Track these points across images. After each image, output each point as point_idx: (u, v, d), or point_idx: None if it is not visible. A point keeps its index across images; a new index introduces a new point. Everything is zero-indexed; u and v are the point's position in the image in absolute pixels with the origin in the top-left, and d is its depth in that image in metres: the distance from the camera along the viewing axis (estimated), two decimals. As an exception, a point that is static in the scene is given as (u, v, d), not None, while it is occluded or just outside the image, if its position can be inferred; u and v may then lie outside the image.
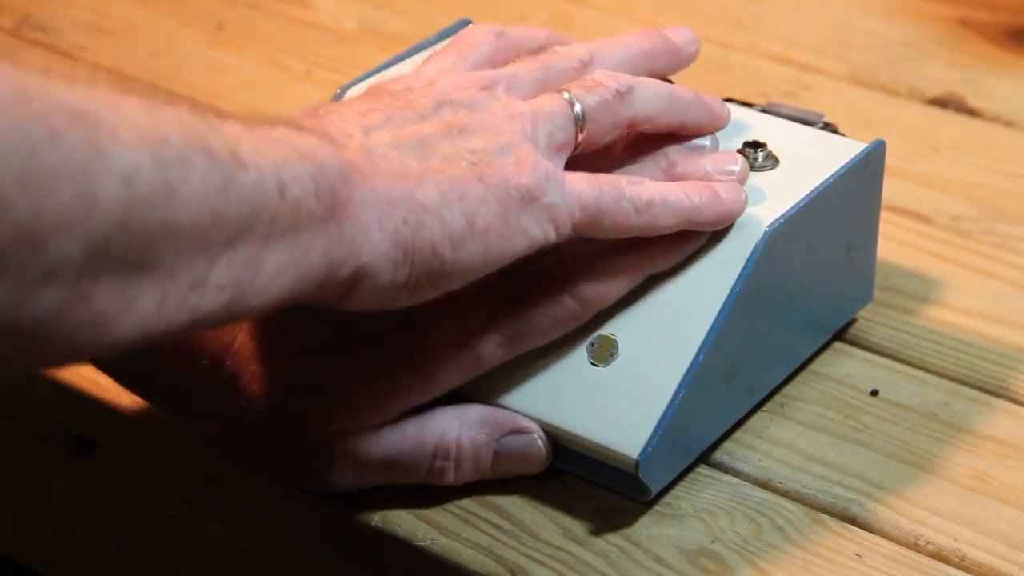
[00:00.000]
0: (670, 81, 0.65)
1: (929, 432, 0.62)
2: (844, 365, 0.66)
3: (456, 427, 0.58)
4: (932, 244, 0.73)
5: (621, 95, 0.59)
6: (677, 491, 0.60)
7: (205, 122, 0.46)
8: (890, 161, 0.65)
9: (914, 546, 0.57)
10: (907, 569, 0.56)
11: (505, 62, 0.61)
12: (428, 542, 0.58)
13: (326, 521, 0.61)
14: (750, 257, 0.59)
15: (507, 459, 0.59)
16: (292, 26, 0.94)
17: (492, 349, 0.58)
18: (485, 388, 0.59)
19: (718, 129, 0.62)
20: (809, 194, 0.61)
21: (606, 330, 0.59)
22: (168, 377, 0.59)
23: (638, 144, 0.61)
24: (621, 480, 0.58)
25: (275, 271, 0.48)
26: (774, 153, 0.63)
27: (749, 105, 0.69)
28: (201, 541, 0.67)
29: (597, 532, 0.58)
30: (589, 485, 0.60)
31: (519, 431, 0.59)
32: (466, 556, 0.57)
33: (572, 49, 0.61)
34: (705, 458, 0.61)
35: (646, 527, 0.58)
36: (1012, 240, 0.73)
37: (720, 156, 0.61)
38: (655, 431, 0.57)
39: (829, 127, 0.68)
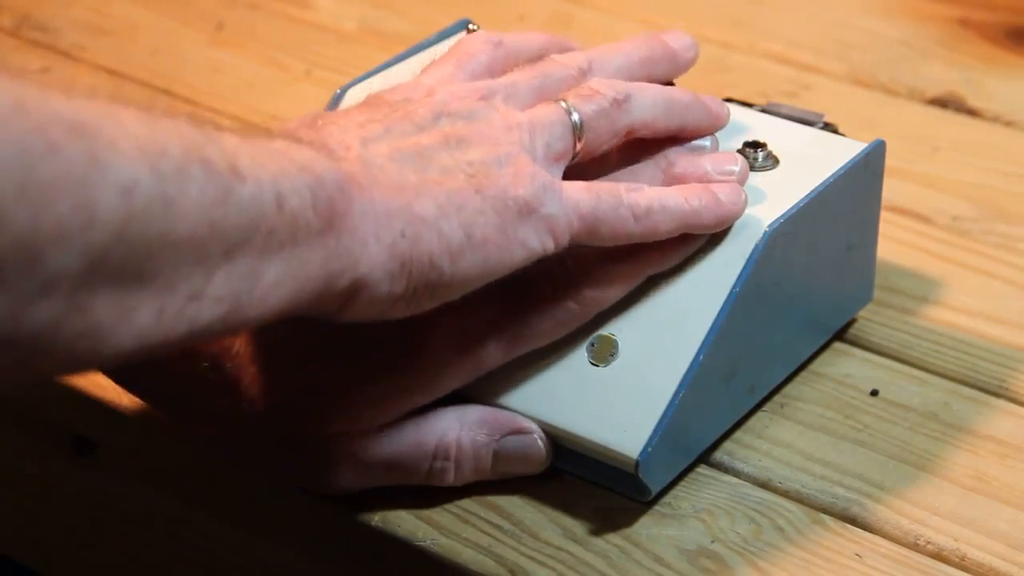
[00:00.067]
0: (670, 83, 0.65)
1: (929, 432, 0.62)
2: (844, 365, 0.66)
3: (456, 428, 0.58)
4: (932, 244, 0.73)
5: (619, 103, 0.59)
6: (677, 491, 0.60)
7: (203, 134, 0.46)
8: (890, 161, 0.65)
9: (914, 546, 0.57)
10: (907, 569, 0.56)
11: (503, 71, 0.61)
12: (428, 542, 0.58)
13: (326, 521, 0.61)
14: (750, 257, 0.59)
15: (507, 459, 0.59)
16: (292, 26, 0.94)
17: (493, 351, 0.58)
18: (485, 388, 0.59)
19: (718, 129, 0.62)
20: (809, 194, 0.61)
21: (606, 330, 0.59)
22: (168, 379, 0.59)
23: (638, 146, 0.61)
24: (621, 480, 0.58)
25: (273, 283, 0.48)
26: (774, 153, 0.63)
27: (749, 105, 0.69)
28: (201, 541, 0.67)
29: (597, 532, 0.58)
30: (589, 485, 0.60)
31: (519, 431, 0.59)
32: (466, 556, 0.57)
33: (570, 57, 0.61)
34: (705, 458, 0.61)
35: (646, 527, 0.58)
36: (1012, 240, 0.73)
37: (720, 156, 0.61)
38: (655, 431, 0.57)
39: (829, 127, 0.68)
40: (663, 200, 0.58)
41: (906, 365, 0.66)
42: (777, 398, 0.64)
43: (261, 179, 0.47)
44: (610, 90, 0.59)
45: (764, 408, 0.64)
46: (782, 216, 0.59)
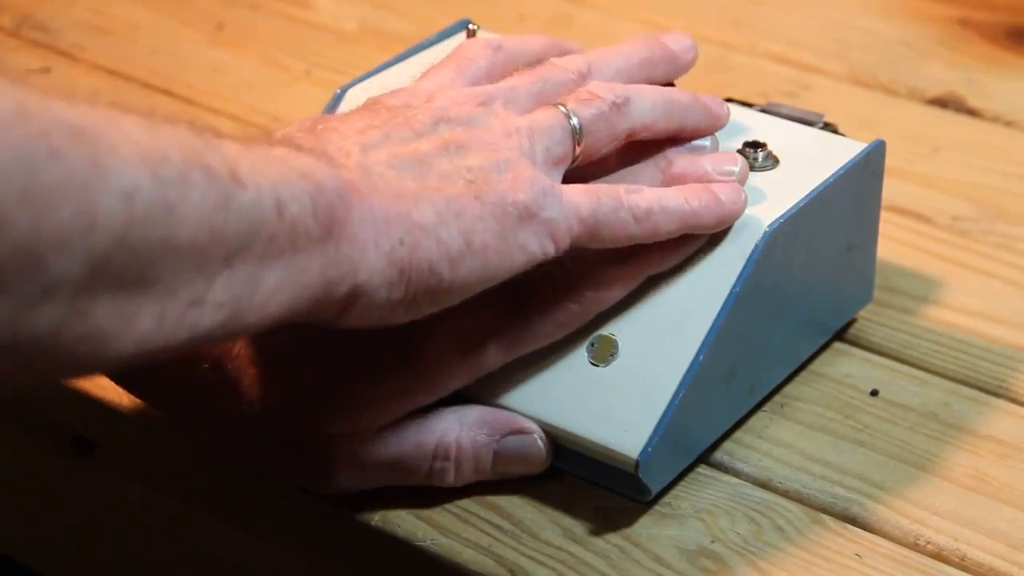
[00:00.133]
0: (670, 83, 0.65)
1: (929, 432, 0.62)
2: (844, 365, 0.66)
3: (456, 428, 0.58)
4: (932, 244, 0.73)
5: (618, 107, 0.59)
6: (677, 491, 0.60)
7: (204, 141, 0.46)
8: (890, 161, 0.65)
9: (914, 546, 0.57)
10: (907, 569, 0.56)
11: (503, 75, 0.61)
12: (428, 542, 0.58)
13: (326, 521, 0.61)
14: (750, 257, 0.59)
15: (507, 459, 0.59)
16: (292, 26, 0.94)
17: (493, 352, 0.58)
18: (485, 389, 0.59)
19: (718, 129, 0.63)
20: (809, 194, 0.61)
21: (606, 330, 0.59)
22: (169, 381, 0.59)
23: (637, 147, 0.61)
24: (621, 480, 0.58)
25: (272, 289, 0.48)
26: (774, 153, 0.63)
27: (749, 105, 0.69)
28: (201, 541, 0.67)
29: (597, 532, 0.58)
30: (589, 485, 0.60)
31: (519, 431, 0.59)
32: (466, 556, 0.57)
33: (570, 60, 0.61)
34: (705, 458, 0.61)
35: (646, 527, 0.58)
36: (1012, 240, 0.73)
37: (720, 157, 0.61)
38: (655, 431, 0.57)
39: (829, 127, 0.68)
40: (663, 201, 0.58)
41: (906, 365, 0.66)
42: (777, 398, 0.64)
43: (261, 186, 0.47)
44: (609, 94, 0.59)
45: (764, 408, 0.64)
46: (782, 216, 0.59)
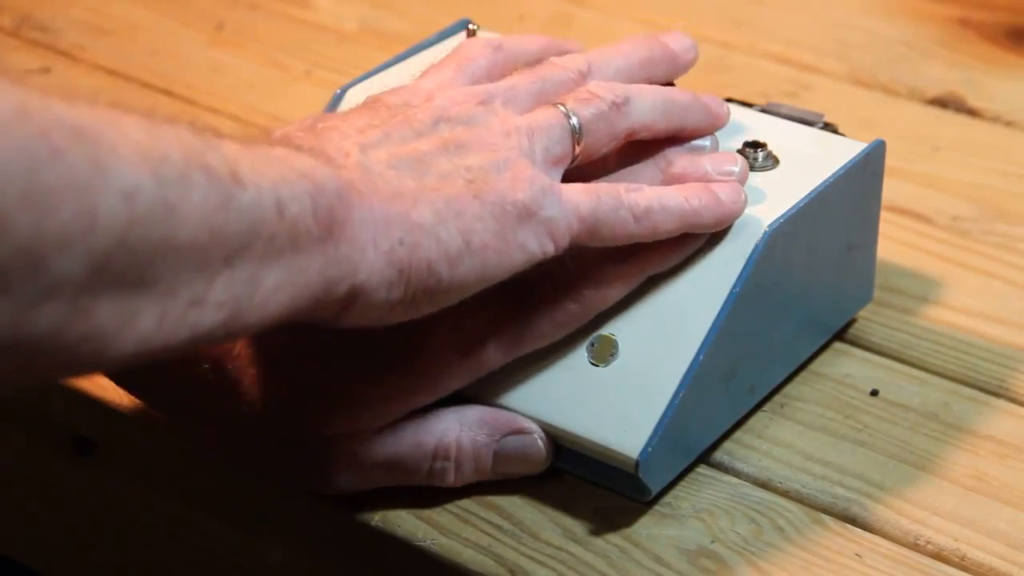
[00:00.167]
0: (670, 83, 0.65)
1: (929, 432, 0.62)
2: (844, 365, 0.66)
3: (456, 428, 0.58)
4: (932, 244, 0.73)
5: (618, 107, 0.59)
6: (677, 491, 0.60)
7: (204, 141, 0.46)
8: (890, 161, 0.65)
9: (914, 546, 0.57)
10: (907, 569, 0.56)
11: (503, 75, 0.61)
12: (428, 542, 0.58)
13: (326, 521, 0.61)
14: (750, 257, 0.59)
15: (507, 459, 0.59)
16: (292, 26, 0.94)
17: (493, 352, 0.58)
18: (485, 389, 0.59)
19: (718, 129, 0.63)
20: (809, 194, 0.61)
21: (606, 330, 0.59)
22: (169, 381, 0.59)
23: (637, 147, 0.61)
24: (621, 480, 0.58)
25: (273, 289, 0.48)
26: (774, 153, 0.63)
27: (749, 105, 0.69)
28: (201, 541, 0.67)
29: (597, 532, 0.58)
30: (589, 485, 0.60)
31: (519, 431, 0.59)
32: (466, 556, 0.57)
33: (570, 60, 0.61)
34: (705, 458, 0.61)
35: (646, 527, 0.58)
36: (1012, 240, 0.73)
37: (720, 157, 0.61)
38: (655, 431, 0.57)
39: (829, 127, 0.68)
40: (663, 200, 0.58)
41: (906, 365, 0.66)
42: (777, 398, 0.64)
43: (261, 186, 0.47)
44: (609, 93, 0.59)
45: (764, 408, 0.64)
46: (782, 216, 0.59)
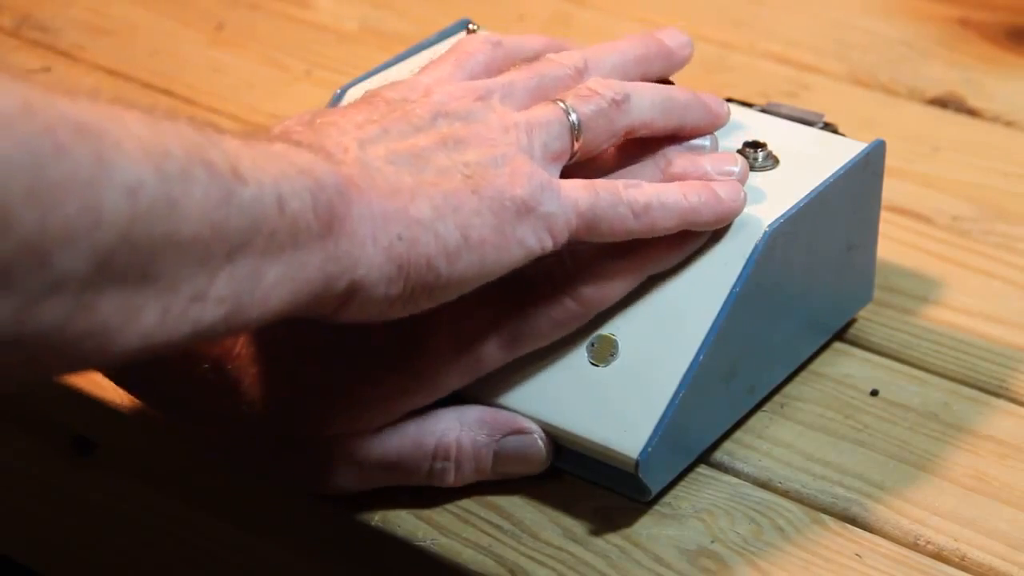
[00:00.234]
0: (670, 82, 0.65)
1: (929, 432, 0.62)
2: (844, 365, 0.66)
3: (456, 428, 0.58)
4: (932, 244, 0.73)
5: (617, 104, 0.59)
6: (677, 491, 0.60)
7: (205, 137, 0.46)
8: (890, 161, 0.65)
9: (914, 546, 0.57)
10: (907, 569, 0.56)
11: (502, 71, 0.61)
12: (428, 542, 0.58)
13: (326, 521, 0.61)
14: (750, 257, 0.59)
15: (507, 460, 0.59)
16: (292, 26, 0.94)
17: (493, 351, 0.58)
18: (485, 388, 0.59)
19: (717, 128, 0.62)
20: (809, 194, 0.61)
21: (606, 330, 0.59)
22: (169, 382, 0.59)
23: (636, 145, 0.61)
24: (621, 480, 0.58)
25: (273, 284, 0.48)
26: (774, 153, 0.63)
27: (749, 105, 0.69)
28: (201, 541, 0.67)
29: (597, 532, 0.58)
30: (589, 485, 0.60)
31: (519, 431, 0.59)
32: (466, 556, 0.57)
33: (567, 56, 0.61)
34: (705, 458, 0.61)
35: (646, 527, 0.58)
36: (1012, 240, 0.73)
37: (719, 156, 0.61)
38: (655, 431, 0.57)
39: (829, 127, 0.68)
40: (662, 197, 0.58)
41: (906, 365, 0.66)
42: (777, 398, 0.64)
43: (262, 181, 0.47)
44: (608, 90, 0.59)
45: (764, 408, 0.64)
46: (782, 216, 0.59)
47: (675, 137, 0.61)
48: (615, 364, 0.59)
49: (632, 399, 0.57)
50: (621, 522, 0.58)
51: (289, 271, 0.48)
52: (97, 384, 0.66)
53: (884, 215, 0.67)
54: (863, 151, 0.63)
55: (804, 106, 0.70)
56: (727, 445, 0.62)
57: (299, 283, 0.49)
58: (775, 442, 0.62)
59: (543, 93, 0.59)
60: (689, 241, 0.59)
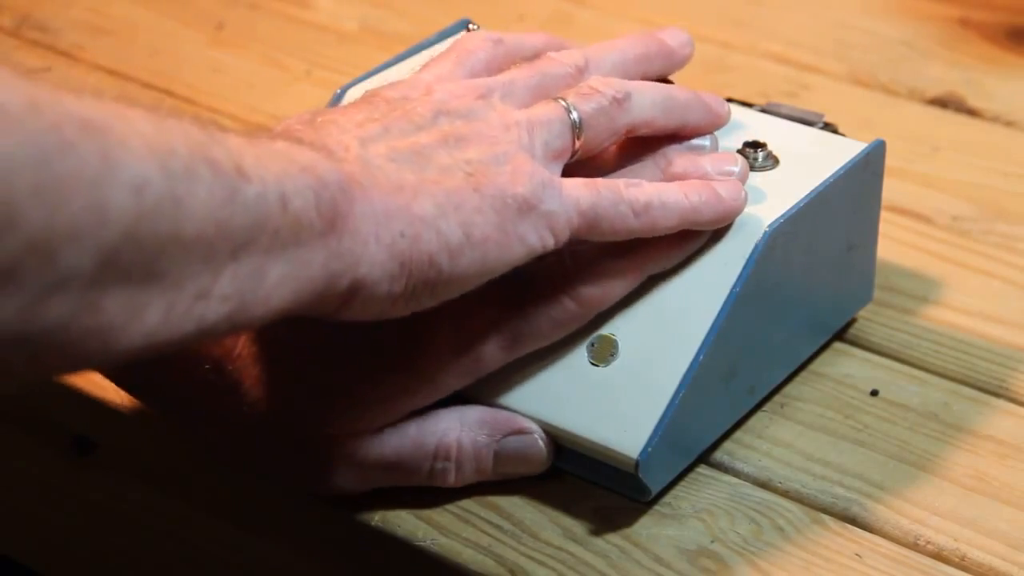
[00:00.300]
0: (670, 81, 0.65)
1: (929, 432, 0.62)
2: (844, 365, 0.66)
3: (457, 428, 0.58)
4: (932, 244, 0.73)
5: (618, 102, 0.59)
6: (677, 491, 0.60)
7: (208, 135, 0.46)
8: (890, 161, 0.65)
9: (914, 546, 0.57)
10: (907, 569, 0.56)
11: (503, 68, 0.61)
12: (428, 542, 0.58)
13: (326, 521, 0.61)
14: (750, 257, 0.59)
15: (508, 460, 0.59)
16: (292, 26, 0.94)
17: (493, 351, 0.58)
18: (485, 388, 0.59)
19: (718, 128, 0.62)
20: (809, 194, 0.61)
21: (606, 330, 0.59)
22: (170, 383, 0.59)
23: (637, 145, 0.61)
24: (621, 480, 0.58)
25: (276, 282, 0.48)
26: (774, 153, 0.63)
27: (749, 105, 0.69)
28: (201, 541, 0.67)
29: (597, 532, 0.58)
30: (589, 485, 0.60)
31: (520, 432, 0.59)
32: (466, 556, 0.57)
33: (568, 55, 0.61)
34: (705, 458, 0.61)
35: (646, 527, 0.58)
36: (1012, 240, 0.73)
37: (720, 156, 0.61)
38: (655, 431, 0.57)
39: (829, 127, 0.68)
40: (663, 196, 0.58)
41: (906, 365, 0.66)
42: (777, 398, 0.64)
43: (266, 180, 0.47)
44: (610, 89, 0.59)
45: (764, 408, 0.64)
46: (782, 216, 0.59)
47: (675, 137, 0.61)
48: (615, 364, 0.59)
49: (632, 399, 0.57)
50: (621, 522, 0.58)
51: (292, 269, 0.48)
52: (97, 384, 0.66)
53: (884, 215, 0.67)
54: (863, 151, 0.63)
55: (804, 106, 0.70)
56: (727, 445, 0.62)
57: (302, 281, 0.49)
58: (775, 442, 0.62)
59: (544, 91, 0.59)
60: (689, 241, 0.59)
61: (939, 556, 0.57)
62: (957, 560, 0.57)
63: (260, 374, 0.57)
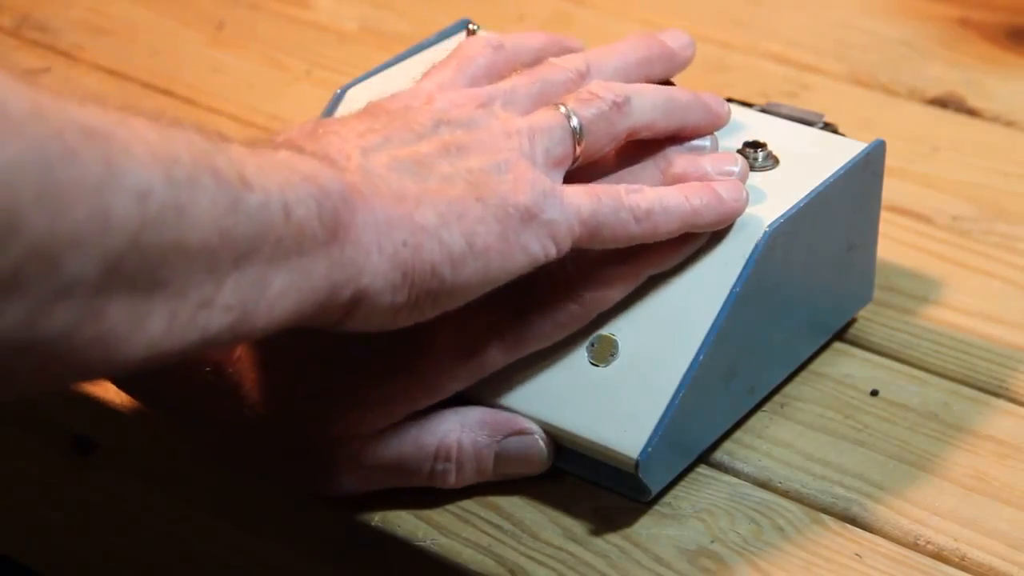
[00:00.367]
0: (671, 82, 0.65)
1: (929, 432, 0.62)
2: (844, 365, 0.66)
3: (457, 429, 0.58)
4: (932, 244, 0.73)
5: (618, 106, 0.59)
6: (677, 491, 0.60)
7: (212, 144, 0.46)
8: (890, 161, 0.65)
9: (914, 546, 0.57)
10: (907, 569, 0.56)
11: (504, 74, 0.61)
12: (428, 542, 0.58)
13: (326, 521, 0.61)
14: (750, 257, 0.59)
15: (508, 460, 0.59)
16: (292, 26, 0.94)
17: (494, 353, 0.58)
18: (486, 389, 0.59)
19: (718, 128, 0.62)
20: (809, 194, 0.61)
21: (606, 330, 0.59)
22: (171, 385, 0.59)
23: (637, 146, 0.61)
24: (621, 480, 0.58)
25: (279, 292, 0.48)
26: (774, 153, 0.63)
27: (749, 105, 0.69)
28: (201, 541, 0.67)
29: (597, 532, 0.58)
30: (589, 485, 0.60)
31: (520, 432, 0.59)
32: (466, 556, 0.57)
33: (569, 60, 0.61)
34: (705, 458, 0.61)
35: (646, 527, 0.58)
36: (1012, 240, 0.73)
37: (720, 157, 0.61)
38: (655, 431, 0.57)
39: (829, 127, 0.68)
40: (664, 201, 0.58)
41: (906, 365, 0.66)
42: (777, 398, 0.64)
43: (269, 189, 0.47)
44: (609, 93, 0.59)
45: (764, 408, 0.64)
46: (782, 216, 0.59)
47: (676, 138, 0.61)
48: (615, 364, 0.59)
49: (632, 399, 0.57)
50: (621, 522, 0.58)
51: (295, 279, 0.48)
52: (97, 384, 0.66)
53: (884, 215, 0.67)
54: (863, 151, 0.63)
55: (804, 106, 0.70)
56: (727, 445, 0.62)
57: (305, 291, 0.49)
58: (775, 442, 0.62)
59: (545, 98, 0.59)
60: (689, 242, 0.59)
61: (939, 556, 0.57)
62: (957, 560, 0.57)
63: (261, 376, 0.57)
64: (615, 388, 0.58)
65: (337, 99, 0.67)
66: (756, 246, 0.59)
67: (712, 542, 0.57)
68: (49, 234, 0.40)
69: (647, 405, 0.57)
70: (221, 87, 0.88)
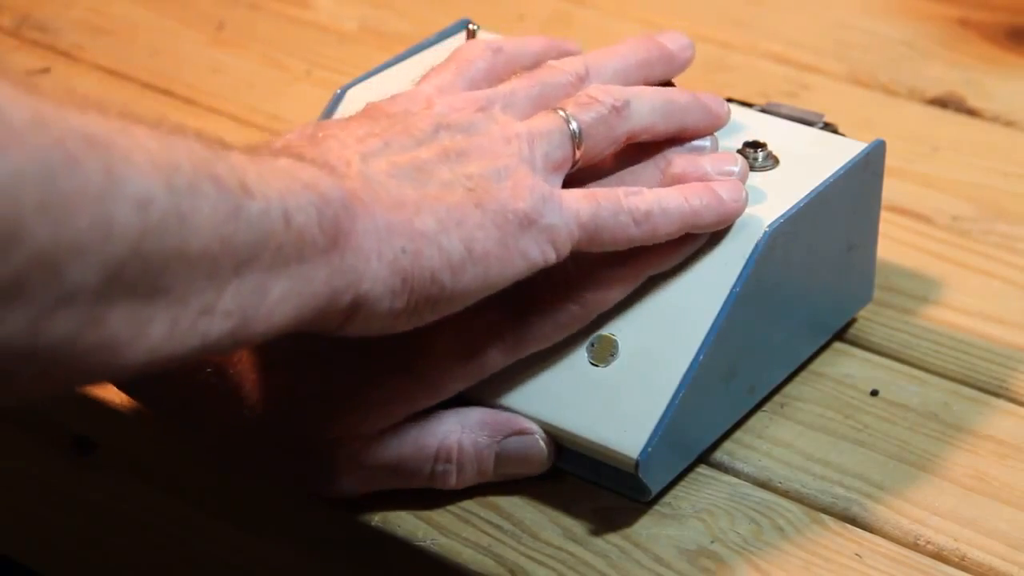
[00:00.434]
0: (670, 83, 0.65)
1: (929, 432, 0.62)
2: (844, 365, 0.66)
3: (457, 430, 0.58)
4: (932, 244, 0.73)
5: (617, 110, 0.59)
6: (677, 491, 0.60)
7: (212, 151, 0.47)
8: (890, 161, 0.65)
9: (914, 546, 0.57)
10: (907, 569, 0.56)
11: (503, 77, 0.61)
12: (428, 542, 0.58)
13: (326, 521, 0.61)
14: (750, 257, 0.59)
15: (509, 461, 0.59)
16: (292, 26, 0.94)
17: (495, 354, 0.58)
18: (486, 389, 0.59)
19: (718, 129, 0.62)
20: (809, 194, 0.61)
21: (606, 330, 0.59)
22: (171, 387, 0.59)
23: (637, 147, 0.61)
24: (621, 480, 0.58)
25: (279, 299, 0.48)
26: (774, 153, 0.63)
27: (749, 105, 0.69)
28: (201, 541, 0.67)
29: (597, 532, 0.58)
30: (589, 485, 0.60)
31: (520, 432, 0.59)
32: (466, 556, 0.57)
33: (568, 63, 0.61)
34: (705, 458, 0.61)
35: (646, 527, 0.58)
36: (1012, 240, 0.73)
37: (719, 157, 0.61)
38: (655, 431, 0.57)
39: (829, 127, 0.68)
40: (663, 202, 0.58)
41: (906, 365, 0.66)
42: (777, 398, 0.64)
43: (269, 196, 0.47)
44: (608, 97, 0.59)
45: (764, 408, 0.64)
46: (782, 216, 0.59)
47: (675, 139, 0.61)
48: (615, 364, 0.59)
49: (632, 399, 0.57)
50: (621, 522, 0.58)
51: (295, 285, 0.48)
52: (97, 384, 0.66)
53: (884, 215, 0.67)
54: (863, 151, 0.63)
55: (804, 106, 0.70)
56: (727, 445, 0.62)
57: (305, 297, 0.49)
58: (775, 442, 0.62)
59: (544, 101, 0.59)
60: (689, 242, 0.59)
61: (939, 556, 0.57)
62: (957, 560, 0.57)
63: (261, 378, 0.57)
64: (615, 388, 0.58)
65: (337, 99, 0.67)
66: (756, 246, 0.59)
67: (712, 542, 0.57)
68: (51, 242, 0.40)
69: (647, 405, 0.57)
70: (221, 87, 0.88)
